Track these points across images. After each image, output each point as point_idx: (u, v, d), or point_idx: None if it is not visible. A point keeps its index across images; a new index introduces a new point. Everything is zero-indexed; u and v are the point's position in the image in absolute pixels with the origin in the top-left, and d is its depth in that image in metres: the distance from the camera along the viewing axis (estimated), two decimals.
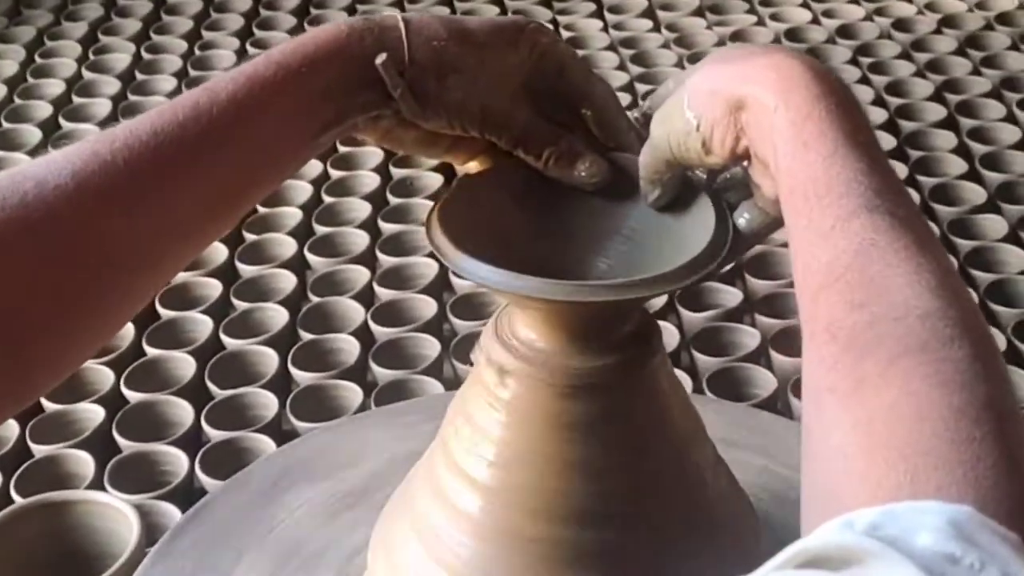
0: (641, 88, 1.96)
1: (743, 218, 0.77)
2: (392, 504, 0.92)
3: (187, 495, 1.24)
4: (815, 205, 0.65)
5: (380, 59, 0.73)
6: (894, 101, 1.90)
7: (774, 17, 2.19)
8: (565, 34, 2.15)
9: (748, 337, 1.45)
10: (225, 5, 2.29)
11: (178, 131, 0.69)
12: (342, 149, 1.84)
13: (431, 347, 1.43)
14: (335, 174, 1.78)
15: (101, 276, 0.68)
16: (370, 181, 1.76)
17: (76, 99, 2.01)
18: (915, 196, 1.67)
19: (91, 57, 2.13)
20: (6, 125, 1.94)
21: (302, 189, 1.74)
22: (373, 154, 1.82)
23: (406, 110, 0.75)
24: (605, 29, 2.18)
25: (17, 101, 2.01)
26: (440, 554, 0.84)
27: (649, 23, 2.19)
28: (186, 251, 0.73)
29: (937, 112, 1.88)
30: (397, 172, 1.79)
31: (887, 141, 1.80)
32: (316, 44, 0.73)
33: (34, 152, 1.85)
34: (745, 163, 0.76)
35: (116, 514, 1.13)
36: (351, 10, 2.27)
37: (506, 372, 0.82)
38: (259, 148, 0.72)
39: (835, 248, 0.63)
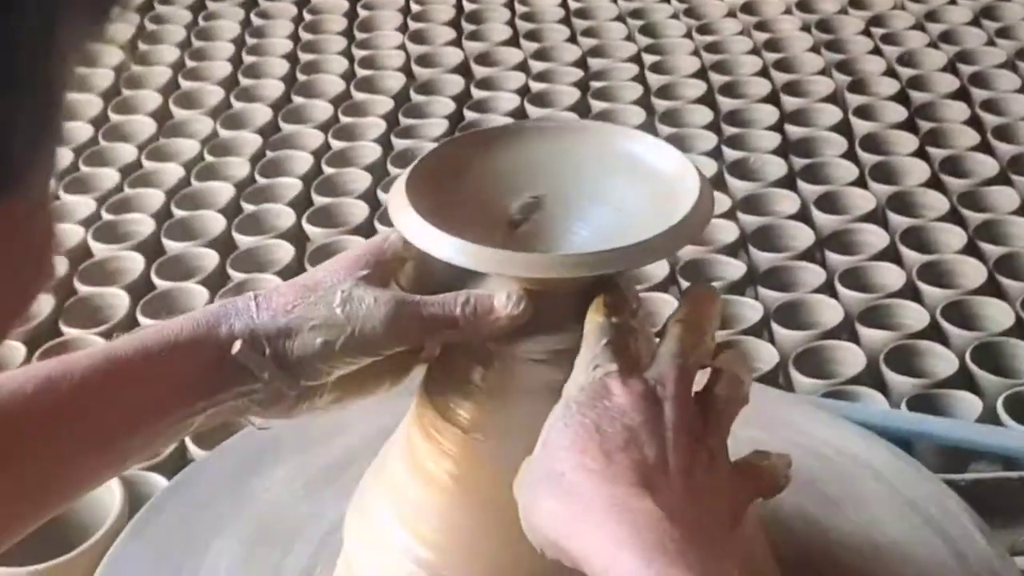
0: (648, 59, 1.93)
1: None
2: (368, 475, 0.90)
3: (178, 467, 1.22)
4: None
5: (235, 348, 0.72)
6: (906, 72, 1.87)
7: None
8: (574, 5, 2.12)
9: (750, 310, 1.42)
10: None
11: (23, 403, 0.67)
12: (344, 119, 1.82)
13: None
14: (336, 144, 1.76)
15: None
16: (371, 152, 1.74)
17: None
18: (925, 168, 1.64)
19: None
20: None
21: (302, 160, 1.72)
22: (374, 125, 1.80)
23: (281, 385, 0.73)
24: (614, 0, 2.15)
25: None
26: (414, 523, 0.82)
27: None
28: (26, 518, 0.71)
29: (950, 83, 1.84)
30: (399, 143, 1.77)
31: (898, 112, 1.77)
32: (180, 328, 0.72)
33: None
34: None
35: None
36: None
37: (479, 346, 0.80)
38: (108, 429, 0.71)
39: None
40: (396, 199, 0.76)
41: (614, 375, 0.70)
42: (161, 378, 0.71)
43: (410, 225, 0.74)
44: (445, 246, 0.73)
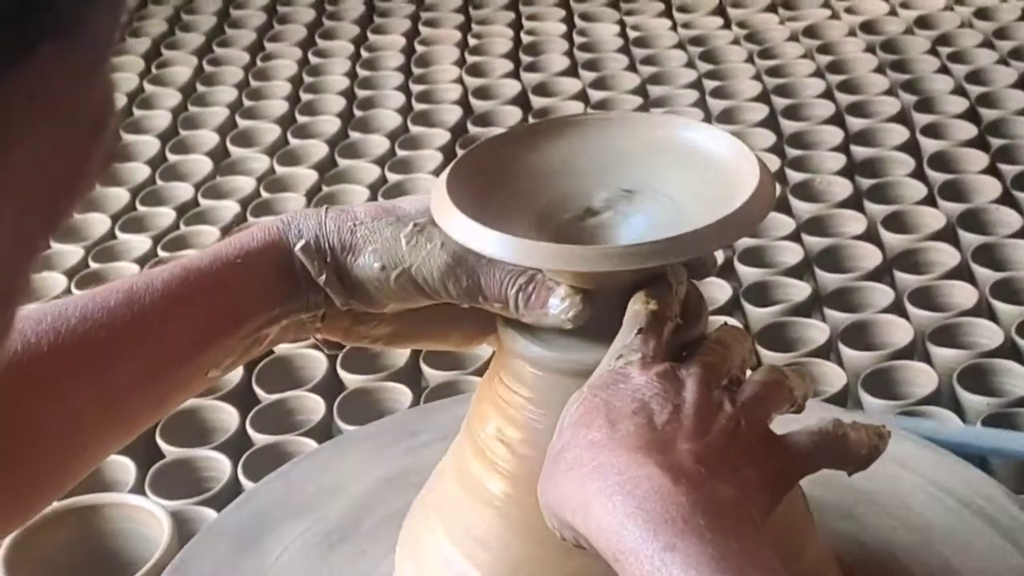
0: (709, 84, 1.90)
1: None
2: (419, 497, 0.87)
3: (229, 500, 1.20)
4: None
5: (299, 245, 0.72)
6: (975, 89, 1.82)
7: (849, 10, 2.11)
8: (632, 34, 2.10)
9: (816, 332, 1.38)
10: (288, 17, 2.27)
11: (107, 318, 0.67)
12: (400, 153, 1.80)
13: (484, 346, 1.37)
14: (392, 178, 1.75)
15: (21, 459, 0.66)
16: (428, 184, 1.71)
17: (137, 112, 2.00)
18: (996, 185, 1.59)
19: (153, 71, 2.12)
20: None
21: (358, 193, 1.70)
22: (431, 158, 1.78)
23: (334, 296, 0.73)
24: (674, 28, 2.12)
25: None
26: (466, 545, 0.79)
27: (719, 20, 2.13)
28: (112, 437, 0.71)
29: (1021, 100, 1.79)
30: None
31: (967, 130, 1.72)
32: (251, 237, 0.72)
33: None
34: None
35: (148, 517, 1.09)
36: (415, 18, 2.23)
37: (528, 359, 0.76)
38: (189, 339, 0.71)
39: None
40: (437, 196, 0.73)
41: (636, 363, 0.66)
42: (237, 285, 0.71)
43: (449, 220, 0.71)
44: (486, 241, 0.70)
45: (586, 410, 0.64)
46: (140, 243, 1.64)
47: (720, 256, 1.49)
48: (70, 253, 1.63)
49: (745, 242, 1.51)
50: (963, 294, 1.41)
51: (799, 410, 0.70)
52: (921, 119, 1.75)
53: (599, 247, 0.71)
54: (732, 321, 0.84)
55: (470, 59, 2.07)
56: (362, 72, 2.06)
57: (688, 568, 0.56)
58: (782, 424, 0.69)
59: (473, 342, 0.82)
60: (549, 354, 0.75)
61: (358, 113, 1.93)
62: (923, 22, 2.05)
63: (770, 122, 1.80)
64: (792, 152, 1.72)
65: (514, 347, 0.77)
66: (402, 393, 1.33)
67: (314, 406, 1.33)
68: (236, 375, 1.38)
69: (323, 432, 1.31)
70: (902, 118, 1.78)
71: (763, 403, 0.66)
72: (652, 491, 0.58)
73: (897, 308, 1.40)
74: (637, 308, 0.69)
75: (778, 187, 1.59)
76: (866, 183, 1.64)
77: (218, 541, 0.96)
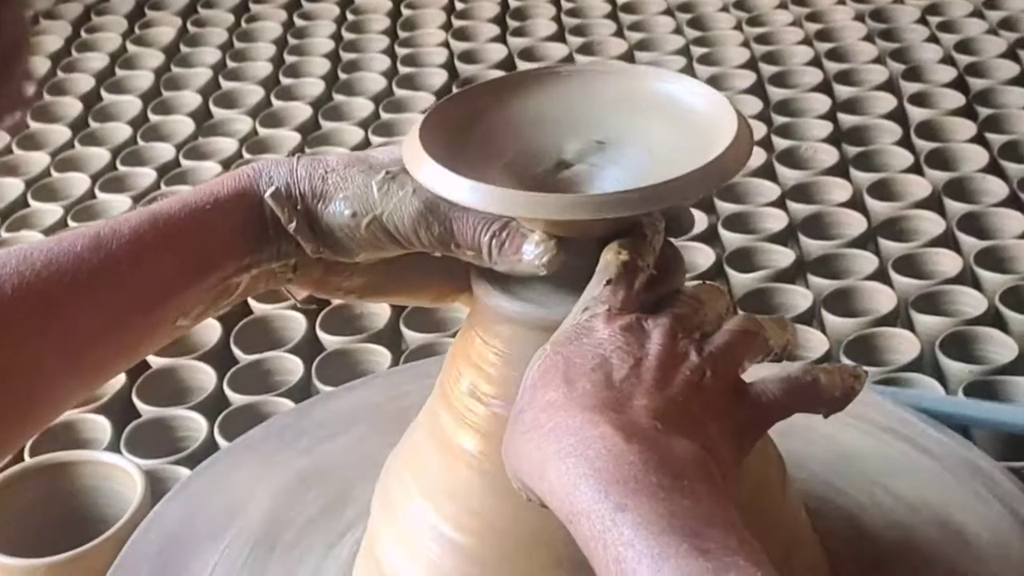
0: (696, 51, 1.89)
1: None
2: (393, 456, 0.86)
3: (202, 459, 1.19)
4: None
5: (269, 192, 0.71)
6: (964, 59, 1.81)
7: None
8: (620, 0, 2.08)
9: (799, 298, 1.37)
10: None
11: (73, 263, 0.66)
12: (384, 116, 1.78)
13: (462, 308, 1.36)
14: (376, 140, 1.73)
15: None
16: None
17: (119, 72, 1.97)
18: (983, 154, 1.58)
19: (136, 31, 2.10)
20: (48, 98, 1.91)
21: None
22: (416, 121, 1.76)
23: (304, 244, 0.72)
24: None
25: (60, 75, 1.98)
26: (442, 502, 0.78)
27: None
28: (73, 386, 0.71)
29: (1009, 69, 1.78)
30: None
31: (955, 99, 1.71)
32: (221, 184, 0.72)
33: (75, 124, 1.82)
34: None
35: (121, 475, 1.08)
36: None
37: (502, 312, 0.75)
38: (157, 285, 0.70)
39: None
40: (410, 145, 0.72)
41: (601, 316, 0.65)
42: (206, 232, 0.70)
43: (422, 168, 0.70)
44: (460, 189, 0.69)
45: (546, 368, 0.63)
46: (120, 203, 1.63)
47: (704, 221, 1.48)
48: (49, 212, 1.62)
49: (729, 208, 1.50)
50: (947, 262, 1.40)
51: (778, 359, 0.69)
52: (909, 88, 1.74)
53: (572, 195, 0.70)
54: None
55: (456, 23, 2.05)
56: (347, 35, 2.04)
57: (639, 528, 0.55)
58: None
59: (447, 298, 0.81)
60: (523, 307, 0.74)
61: (342, 76, 1.91)
62: None
63: (757, 89, 1.79)
64: (779, 119, 1.70)
65: (488, 300, 0.76)
66: (381, 355, 1.32)
67: (292, 367, 1.32)
68: (214, 335, 1.37)
69: (301, 393, 1.29)
70: (890, 86, 1.77)
71: (733, 353, 0.65)
72: (604, 451, 0.57)
73: (881, 275, 1.40)
74: (608, 259, 0.68)
75: (764, 154, 1.59)
76: (852, 151, 1.63)
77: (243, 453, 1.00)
